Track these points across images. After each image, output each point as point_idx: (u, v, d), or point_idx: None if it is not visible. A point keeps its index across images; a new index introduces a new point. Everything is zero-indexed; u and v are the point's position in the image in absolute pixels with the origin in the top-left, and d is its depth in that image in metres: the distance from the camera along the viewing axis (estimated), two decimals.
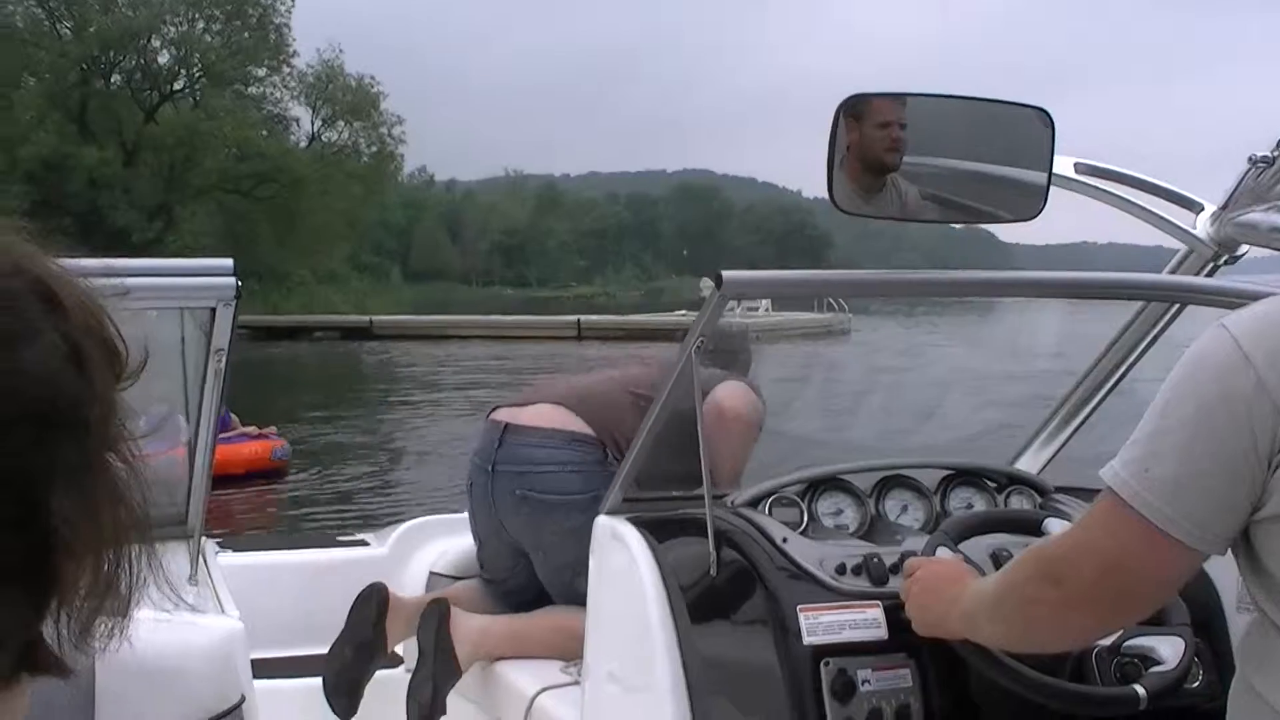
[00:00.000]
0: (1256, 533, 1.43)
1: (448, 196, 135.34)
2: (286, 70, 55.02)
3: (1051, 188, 2.18)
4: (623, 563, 2.30)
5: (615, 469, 2.90)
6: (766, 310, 41.79)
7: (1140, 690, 1.87)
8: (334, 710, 3.08)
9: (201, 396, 2.28)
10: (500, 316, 49.19)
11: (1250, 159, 2.22)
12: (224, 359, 2.23)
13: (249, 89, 55.45)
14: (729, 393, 3.15)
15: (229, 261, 2.11)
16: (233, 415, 14.73)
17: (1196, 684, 2.11)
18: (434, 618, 3.05)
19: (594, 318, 42.08)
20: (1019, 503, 2.55)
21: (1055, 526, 2.13)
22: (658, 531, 2.32)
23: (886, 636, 2.11)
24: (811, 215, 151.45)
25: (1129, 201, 2.43)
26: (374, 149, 56.43)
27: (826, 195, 2.12)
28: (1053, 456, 2.97)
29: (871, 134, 2.08)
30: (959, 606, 1.80)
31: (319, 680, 3.13)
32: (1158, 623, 1.95)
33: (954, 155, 2.17)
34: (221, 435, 14.46)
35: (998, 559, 2.17)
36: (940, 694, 2.09)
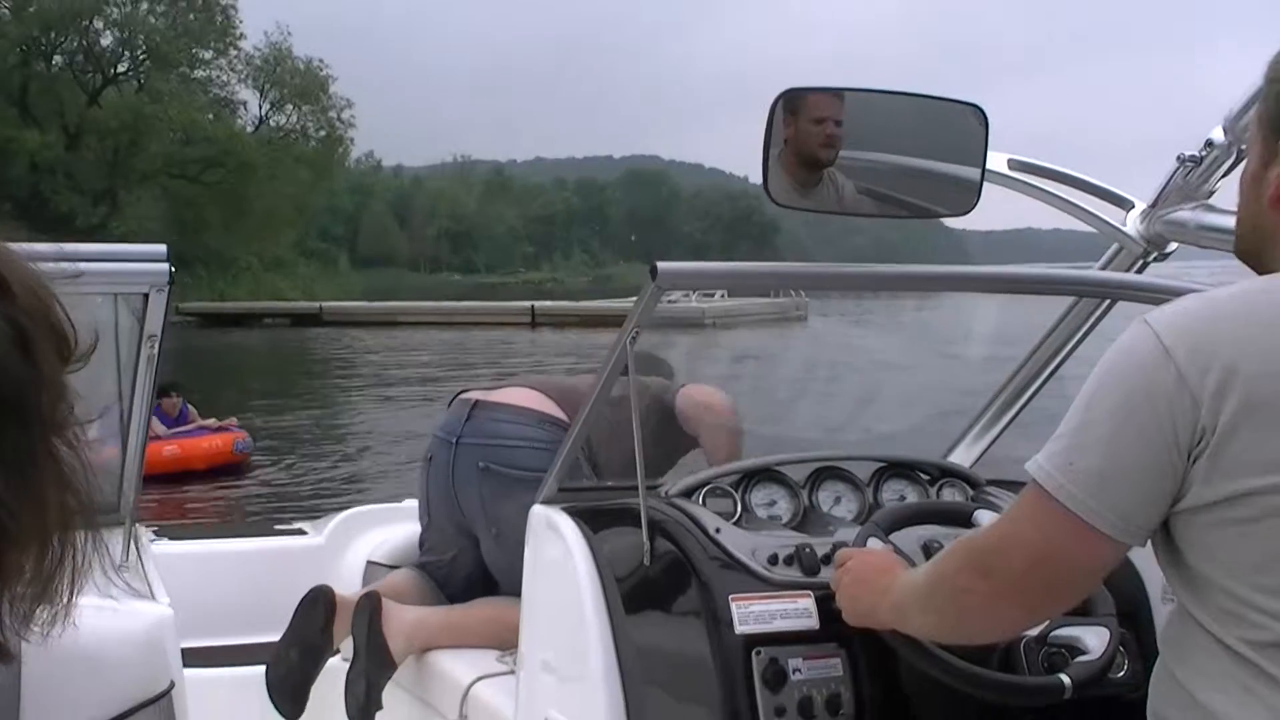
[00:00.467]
0: (1176, 524, 1.46)
1: (395, 182, 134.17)
2: (233, 53, 54.81)
3: (985, 183, 2.21)
4: (558, 553, 2.32)
5: (582, 458, 2.94)
6: (722, 295, 42.04)
7: (1066, 679, 1.90)
8: (280, 712, 3.06)
9: (135, 383, 2.27)
10: (453, 303, 48.62)
11: (1179, 158, 2.26)
12: (157, 345, 2.20)
13: (195, 72, 54.96)
14: (701, 389, 3.22)
15: (162, 247, 2.08)
16: (190, 407, 14.58)
17: (1121, 674, 2.15)
18: (365, 613, 3.04)
19: (548, 304, 41.72)
20: (951, 495, 2.56)
21: (986, 518, 2.15)
22: (593, 521, 2.34)
23: (818, 626, 2.13)
24: (759, 201, 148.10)
25: (1061, 198, 2.47)
26: (323, 133, 56.06)
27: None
28: (986, 450, 3.00)
29: (808, 129, 2.10)
30: (889, 597, 1.82)
31: (255, 669, 3.12)
32: (1084, 613, 1.99)
33: (890, 150, 2.20)
34: (180, 429, 14.58)
35: (929, 550, 2.20)
36: (870, 683, 2.12)
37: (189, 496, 13.60)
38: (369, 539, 3.75)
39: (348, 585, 3.43)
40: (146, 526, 2.86)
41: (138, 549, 2.50)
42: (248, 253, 55.69)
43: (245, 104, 56.67)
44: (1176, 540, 1.47)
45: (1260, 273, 1.56)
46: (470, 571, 3.29)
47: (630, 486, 2.31)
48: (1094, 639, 1.97)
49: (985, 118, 2.19)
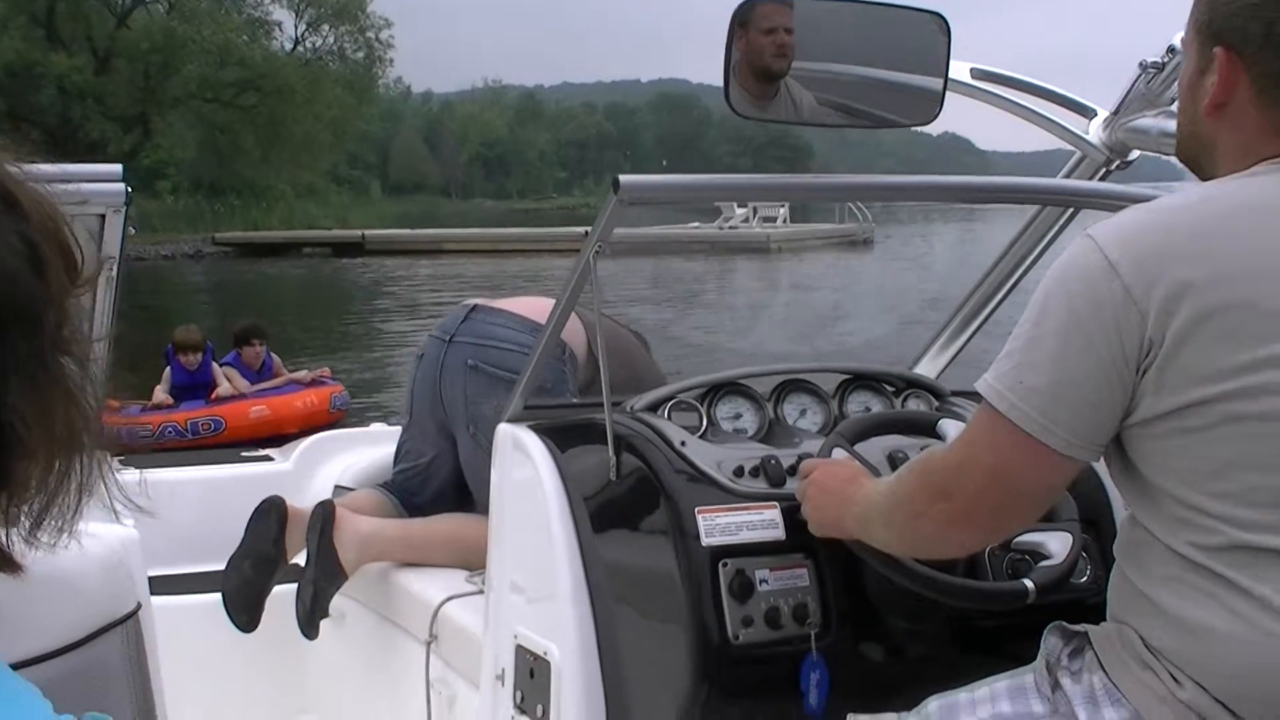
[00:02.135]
0: (1128, 437, 1.49)
1: (425, 108, 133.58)
2: None
3: (948, 93, 2.22)
4: (525, 472, 2.32)
5: (570, 371, 3.04)
6: (784, 220, 40.69)
7: (1029, 584, 1.92)
8: (235, 624, 3.07)
9: (94, 306, 2.12)
10: (500, 229, 47.27)
11: (1141, 64, 2.29)
12: (115, 267, 2.16)
13: None
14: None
15: (118, 167, 2.08)
16: (275, 358, 12.13)
17: (1084, 579, 2.18)
18: (319, 520, 3.02)
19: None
20: (916, 406, 2.57)
21: (949, 427, 2.16)
22: (559, 439, 2.34)
23: (784, 537, 2.14)
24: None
25: (1024, 107, 2.49)
26: (360, 54, 54.03)
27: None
28: (950, 360, 3.02)
29: (758, 40, 2.10)
30: (853, 507, 1.85)
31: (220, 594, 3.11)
32: (1048, 519, 1.99)
33: (849, 60, 2.19)
34: (268, 386, 11.79)
35: (894, 460, 2.24)
36: (837, 592, 2.13)
37: None
38: (337, 464, 3.78)
39: None
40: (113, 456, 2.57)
41: (101, 474, 1.87)
42: (283, 181, 54.12)
43: (280, 24, 54.78)
44: (1129, 453, 1.51)
45: (1201, 178, 1.60)
46: (443, 482, 3.29)
47: (596, 403, 2.32)
48: (1057, 544, 1.99)
49: (947, 26, 2.18)
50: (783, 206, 38.93)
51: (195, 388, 11.36)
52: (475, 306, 3.22)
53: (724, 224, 41.14)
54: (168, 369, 11.32)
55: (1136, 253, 1.43)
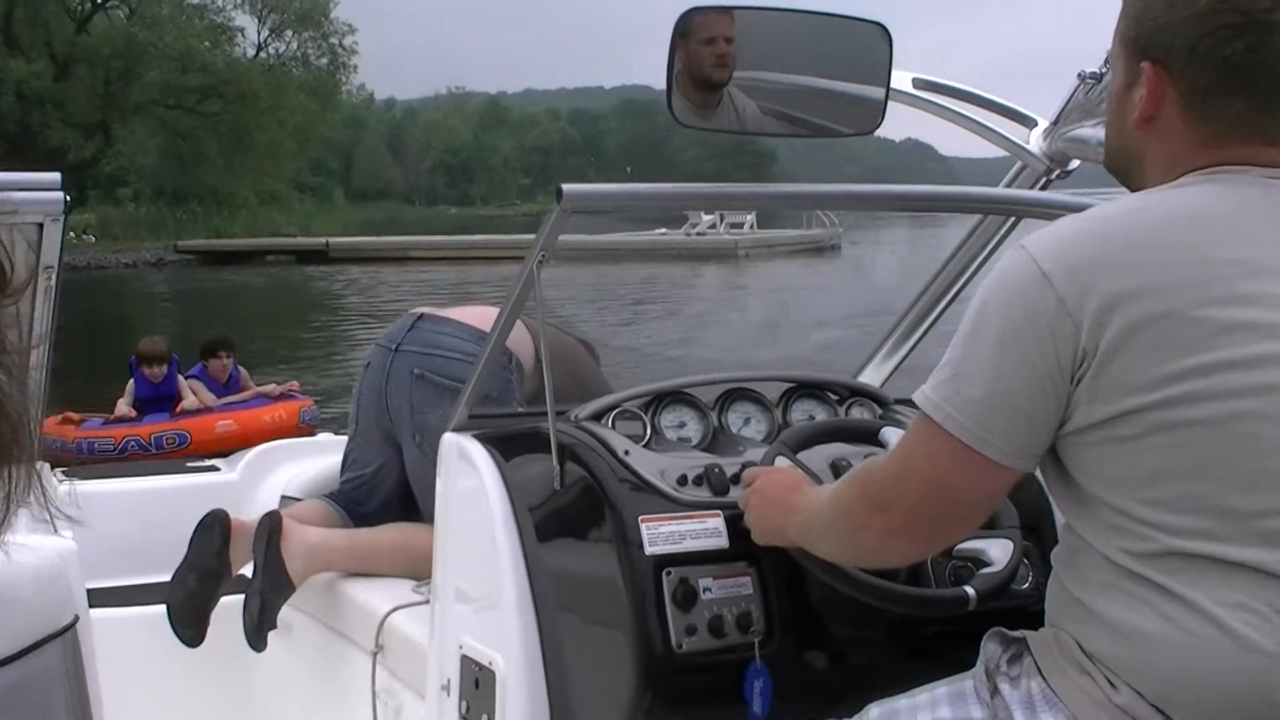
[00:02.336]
0: (1063, 446, 1.51)
1: (388, 114, 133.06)
2: None
3: (890, 102, 2.22)
4: (470, 482, 2.32)
5: (516, 380, 3.04)
6: (751, 227, 40.67)
7: (970, 591, 1.93)
8: (180, 639, 3.05)
9: (32, 314, 2.12)
10: (465, 236, 46.80)
11: (1080, 75, 2.30)
12: (54, 276, 2.15)
13: None
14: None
15: (56, 175, 2.07)
16: (242, 371, 11.78)
17: (1026, 585, 2.19)
18: (265, 531, 3.02)
19: (565, 237, 39.52)
20: (860, 414, 2.59)
21: (892, 435, 2.17)
22: (504, 448, 2.34)
23: (727, 545, 2.14)
24: None
25: (965, 117, 2.51)
26: (324, 60, 53.68)
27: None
28: (895, 369, 3.02)
29: (698, 50, 2.11)
30: (796, 516, 1.85)
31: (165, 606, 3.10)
32: (989, 526, 2.00)
33: (791, 70, 2.19)
34: (235, 400, 11.61)
35: (837, 468, 2.24)
36: (780, 600, 2.13)
37: None
38: (283, 473, 3.75)
39: None
40: (54, 467, 2.87)
41: (40, 485, 1.86)
42: (247, 187, 53.71)
43: (243, 30, 54.20)
44: (1065, 462, 1.52)
45: (1129, 189, 1.63)
46: (389, 491, 3.29)
47: (540, 412, 2.32)
48: (998, 551, 2.00)
49: (889, 36, 2.19)
50: (749, 213, 38.64)
51: (160, 401, 11.02)
52: (422, 315, 3.21)
53: (690, 230, 40.82)
54: (131, 381, 11.04)
55: (1069, 263, 1.44)
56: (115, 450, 10.30)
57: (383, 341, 3.23)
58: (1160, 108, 1.54)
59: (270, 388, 11.85)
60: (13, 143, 45.63)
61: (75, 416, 10.79)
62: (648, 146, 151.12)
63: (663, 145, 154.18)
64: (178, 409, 11.04)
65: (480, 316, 3.14)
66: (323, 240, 45.82)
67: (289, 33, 53.74)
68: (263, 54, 53.41)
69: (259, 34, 53.94)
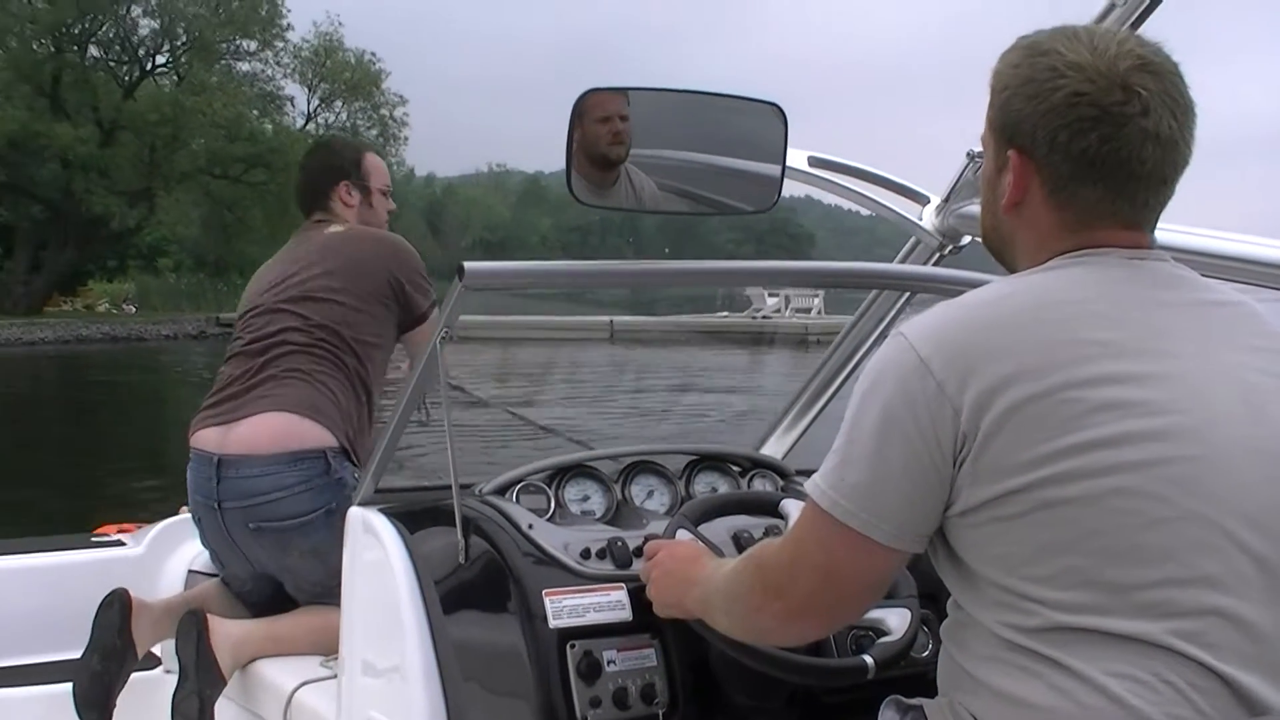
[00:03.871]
0: (950, 528, 1.53)
1: (428, 190, 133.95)
2: (280, 45, 50.80)
3: (786, 180, 2.26)
4: (375, 555, 2.31)
5: (344, 472, 3.09)
6: (819, 312, 39.83)
7: (869, 660, 1.97)
8: None
9: None
10: (524, 316, 46.34)
11: (969, 154, 2.37)
12: None
13: (239, 64, 51.10)
14: None
15: None
16: None
17: (925, 653, 2.21)
18: (192, 630, 2.99)
19: (627, 319, 38.55)
20: (762, 486, 2.62)
21: (792, 507, 2.22)
22: (409, 522, 2.34)
23: (631, 618, 2.16)
24: (793, 213, 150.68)
25: (860, 194, 2.56)
26: (374, 131, 52.95)
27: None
28: (795, 441, 3.06)
29: (593, 129, 2.13)
30: (696, 589, 1.88)
31: (70, 685, 3.04)
32: (889, 595, 2.02)
33: (688, 148, 2.22)
34: None
35: (739, 540, 2.27)
36: (684, 671, 2.15)
37: None
38: (189, 548, 3.70)
39: (169, 595, 3.43)
40: None
41: None
42: None
43: (292, 100, 53.10)
44: (951, 542, 1.54)
45: (1005, 268, 1.67)
46: (274, 590, 3.30)
47: (445, 486, 2.31)
48: (896, 620, 2.04)
49: (784, 115, 2.23)
50: (816, 296, 38.02)
51: None
52: (220, 462, 3.17)
53: (755, 314, 40.18)
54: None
55: (947, 351, 1.48)
56: None
57: (200, 497, 3.23)
58: (1026, 193, 1.59)
59: None
60: (57, 210, 45.24)
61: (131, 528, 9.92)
62: (685, 227, 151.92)
63: (699, 226, 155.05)
64: None
65: (272, 432, 3.14)
66: None
67: (339, 103, 52.97)
68: (311, 124, 52.72)
69: (308, 103, 53.28)
